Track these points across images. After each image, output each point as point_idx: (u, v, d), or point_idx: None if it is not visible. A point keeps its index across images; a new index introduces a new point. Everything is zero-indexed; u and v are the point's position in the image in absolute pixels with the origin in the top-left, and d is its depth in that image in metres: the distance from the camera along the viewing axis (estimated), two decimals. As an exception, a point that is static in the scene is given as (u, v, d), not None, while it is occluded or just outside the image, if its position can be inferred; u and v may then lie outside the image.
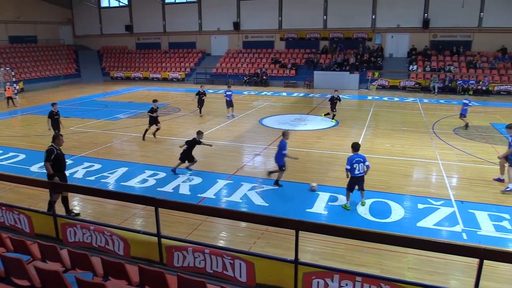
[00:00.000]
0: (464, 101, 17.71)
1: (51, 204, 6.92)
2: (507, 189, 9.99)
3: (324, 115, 19.26)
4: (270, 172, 10.95)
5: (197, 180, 10.95)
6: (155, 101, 15.81)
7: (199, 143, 11.67)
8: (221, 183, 10.73)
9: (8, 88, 24.85)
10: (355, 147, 9.02)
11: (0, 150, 14.22)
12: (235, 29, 37.46)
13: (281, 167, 10.48)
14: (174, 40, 40.44)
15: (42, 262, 5.16)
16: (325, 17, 34.66)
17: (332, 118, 18.77)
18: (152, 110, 15.44)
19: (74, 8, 43.24)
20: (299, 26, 35.43)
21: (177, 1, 39.55)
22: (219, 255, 5.20)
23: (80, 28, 43.74)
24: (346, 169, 8.87)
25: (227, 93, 19.73)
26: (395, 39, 33.32)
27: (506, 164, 10.42)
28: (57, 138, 8.44)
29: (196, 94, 20.49)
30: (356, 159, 8.80)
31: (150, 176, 11.31)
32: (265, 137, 16.07)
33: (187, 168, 11.65)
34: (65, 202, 8.63)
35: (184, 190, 10.27)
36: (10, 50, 35.84)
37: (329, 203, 9.35)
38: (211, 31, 38.75)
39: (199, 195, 9.91)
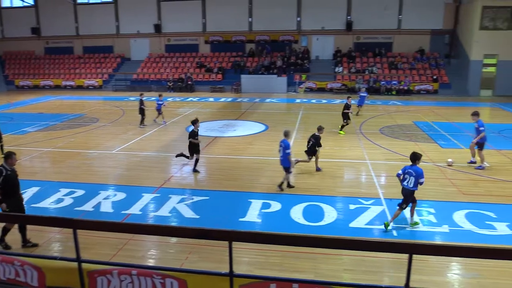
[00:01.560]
0: (361, 94, 21.49)
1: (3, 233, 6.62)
2: (480, 167, 12.30)
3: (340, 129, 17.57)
4: (280, 184, 10.73)
5: (120, 196, 10.52)
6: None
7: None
8: (147, 197, 10.42)
9: None
10: (412, 158, 8.58)
11: None
12: (156, 32, 36.77)
13: (288, 169, 10.59)
14: (89, 44, 38.70)
15: None
16: (250, 19, 35.31)
17: (341, 129, 17.50)
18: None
19: (-32, 9, 39.70)
20: (224, 28, 35.73)
21: (90, 2, 37.93)
22: (148, 276, 5.02)
23: (-24, 31, 40.22)
24: (397, 174, 8.73)
25: (158, 102, 19.64)
26: (320, 41, 34.86)
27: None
28: (9, 158, 7.72)
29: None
30: (408, 170, 8.50)
31: (66, 194, 10.65)
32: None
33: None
34: (23, 230, 7.88)
35: (106, 207, 9.82)
36: None
37: (262, 210, 9.48)
38: (130, 34, 37.65)
39: (123, 212, 9.53)
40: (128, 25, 37.44)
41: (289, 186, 10.90)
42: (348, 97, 18.08)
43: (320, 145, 12.15)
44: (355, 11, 33.48)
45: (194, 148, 12.29)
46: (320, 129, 12.37)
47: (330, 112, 22.93)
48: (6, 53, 40.08)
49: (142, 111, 19.07)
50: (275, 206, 9.67)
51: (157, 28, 36.57)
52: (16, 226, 7.89)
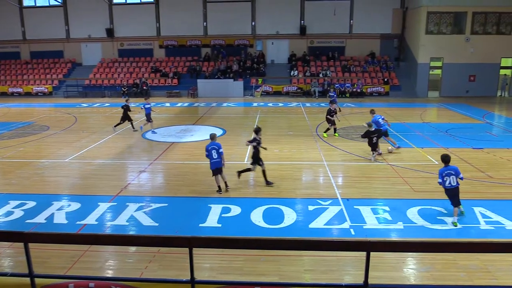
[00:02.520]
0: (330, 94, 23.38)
1: None
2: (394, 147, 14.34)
3: (325, 132, 17.61)
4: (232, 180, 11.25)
5: (75, 206, 10.13)
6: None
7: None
8: (103, 206, 10.10)
9: None
10: (445, 159, 9.01)
11: None
12: (108, 36, 35.85)
13: (221, 170, 10.98)
14: (37, 49, 37.10)
15: None
16: (205, 23, 35.19)
17: (335, 132, 17.55)
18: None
19: None
20: (179, 33, 35.40)
21: (37, 5, 36.40)
22: (106, 287, 4.87)
23: None
24: (438, 182, 8.98)
25: (146, 106, 18.80)
26: (275, 45, 35.29)
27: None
28: None
29: (122, 107, 19.11)
30: (446, 171, 8.86)
31: (16, 207, 10.12)
32: (150, 151, 15.63)
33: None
34: None
35: (60, 218, 9.42)
36: None
37: (223, 215, 9.44)
38: (81, 39, 36.48)
39: (78, 222, 9.18)
40: (78, 29, 36.24)
41: (226, 185, 11.12)
42: (331, 102, 17.82)
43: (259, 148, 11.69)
44: (308, 16, 34.19)
45: (257, 157, 11.59)
46: (257, 131, 11.85)
47: (287, 115, 23.24)
48: None
49: (128, 117, 18.82)
50: (235, 210, 9.66)
51: (109, 32, 35.66)
52: None
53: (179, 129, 19.47)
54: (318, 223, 8.96)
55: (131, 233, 8.58)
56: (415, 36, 31.40)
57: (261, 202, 10.08)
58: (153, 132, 18.60)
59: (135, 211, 9.74)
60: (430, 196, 10.37)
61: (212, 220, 9.21)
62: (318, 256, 7.35)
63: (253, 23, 34.89)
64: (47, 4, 36.09)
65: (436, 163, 13.20)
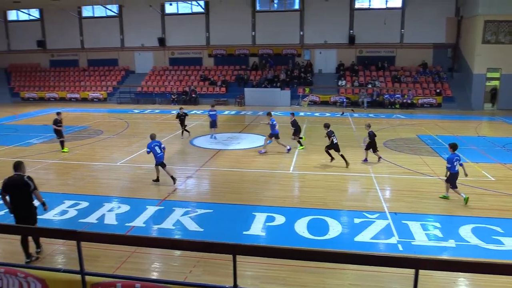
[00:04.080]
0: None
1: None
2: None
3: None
4: (157, 179, 12.54)
5: (124, 208, 10.50)
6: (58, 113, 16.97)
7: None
8: (151, 209, 10.39)
9: None
10: (454, 147, 10.60)
11: None
12: (160, 45, 37.12)
13: (164, 164, 12.30)
14: (94, 57, 39.07)
15: None
16: (253, 33, 35.62)
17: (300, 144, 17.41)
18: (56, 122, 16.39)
19: (-25, 22, 40.24)
20: (228, 42, 36.02)
21: (96, 16, 38.36)
22: (152, 289, 4.98)
23: (-17, 44, 40.68)
24: (447, 167, 10.49)
25: (211, 113, 19.28)
26: (323, 55, 35.08)
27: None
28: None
29: (177, 117, 19.54)
30: (455, 158, 10.43)
31: (70, 206, 10.64)
32: (197, 158, 15.92)
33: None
34: (35, 240, 8.09)
35: (110, 219, 9.80)
36: None
37: (267, 224, 9.43)
38: (134, 47, 38.02)
39: (127, 224, 9.50)
40: (132, 39, 37.82)
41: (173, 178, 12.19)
42: (291, 113, 18.12)
43: None
44: (357, 25, 33.73)
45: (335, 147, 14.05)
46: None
47: (334, 126, 22.89)
48: (12, 65, 40.48)
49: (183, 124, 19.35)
50: (280, 219, 9.63)
51: (161, 41, 36.91)
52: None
53: (225, 137, 19.73)
54: (364, 236, 8.74)
55: (177, 237, 8.75)
56: (470, 46, 30.14)
57: (305, 213, 9.98)
58: (214, 138, 19.12)
59: (181, 215, 9.94)
60: (485, 214, 9.85)
61: (256, 228, 9.22)
62: (363, 270, 7.15)
63: (301, 33, 34.90)
64: (104, 15, 37.93)
65: (493, 179, 12.55)
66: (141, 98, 34.59)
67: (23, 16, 39.49)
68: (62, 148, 16.75)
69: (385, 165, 14.41)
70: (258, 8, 35.51)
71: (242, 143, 18.49)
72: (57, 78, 38.65)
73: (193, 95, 33.33)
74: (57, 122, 16.56)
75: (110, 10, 37.14)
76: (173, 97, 33.43)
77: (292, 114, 17.88)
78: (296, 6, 35.17)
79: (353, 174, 13.38)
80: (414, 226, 9.15)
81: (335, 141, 14.25)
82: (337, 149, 14.30)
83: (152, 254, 8.09)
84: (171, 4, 36.21)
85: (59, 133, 16.65)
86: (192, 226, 9.37)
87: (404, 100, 30.11)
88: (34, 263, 7.64)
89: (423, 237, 8.68)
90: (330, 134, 14.29)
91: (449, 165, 10.44)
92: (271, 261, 7.31)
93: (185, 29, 36.43)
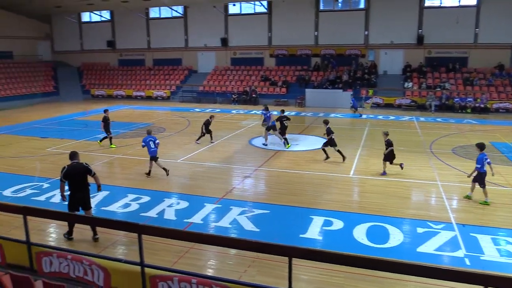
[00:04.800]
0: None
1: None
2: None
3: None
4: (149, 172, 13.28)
5: (183, 204, 10.84)
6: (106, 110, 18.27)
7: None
8: (209, 207, 10.64)
9: None
10: (482, 147, 10.91)
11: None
12: (223, 46, 37.88)
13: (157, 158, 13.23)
14: (159, 56, 40.69)
15: (14, 295, 5.01)
16: (316, 33, 35.31)
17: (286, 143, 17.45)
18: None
19: (54, 23, 43.44)
20: (290, 42, 35.99)
21: (162, 16, 39.95)
22: (207, 286, 5.09)
23: (60, 44, 43.87)
24: (476, 167, 10.73)
25: (267, 114, 18.88)
26: (389, 55, 34.00)
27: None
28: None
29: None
30: (484, 157, 10.67)
31: (133, 200, 11.17)
32: (255, 158, 16.06)
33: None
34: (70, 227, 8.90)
35: (170, 215, 10.15)
36: (-17, 67, 35.64)
37: (324, 228, 9.31)
38: (197, 48, 39.12)
39: (185, 220, 9.80)
40: (196, 39, 38.92)
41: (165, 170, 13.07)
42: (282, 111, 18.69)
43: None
44: (427, 24, 32.29)
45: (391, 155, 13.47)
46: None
47: (398, 129, 22.16)
48: (84, 64, 43.22)
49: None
50: (337, 224, 9.46)
51: (224, 41, 37.66)
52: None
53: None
54: (428, 247, 8.35)
55: (233, 235, 8.88)
56: (555, 47, 27.81)
57: (365, 219, 9.73)
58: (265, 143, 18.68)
59: (238, 215, 10.08)
60: None
61: (313, 231, 9.13)
62: (426, 283, 6.82)
63: (366, 32, 34.07)
64: (170, 16, 39.38)
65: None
66: (203, 97, 35.51)
67: (95, 17, 42.05)
68: (110, 144, 17.77)
69: (453, 173, 13.68)
70: (321, 7, 35.14)
71: (301, 144, 18.39)
72: (124, 77, 40.75)
73: (253, 95, 33.68)
74: (106, 120, 17.76)
75: (176, 11, 38.51)
76: (234, 97, 33.99)
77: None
78: (361, 5, 34.38)
79: (417, 181, 12.83)
80: (484, 240, 8.61)
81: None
82: (333, 144, 14.58)
83: (208, 251, 8.27)
84: (234, 5, 36.85)
85: (107, 129, 17.76)
86: (249, 226, 9.47)
87: (477, 105, 28.38)
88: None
89: (493, 252, 8.14)
90: (329, 132, 14.53)
91: (478, 165, 10.69)
92: (327, 266, 7.20)
93: (247, 29, 36.89)
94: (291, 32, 35.57)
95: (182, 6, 38.21)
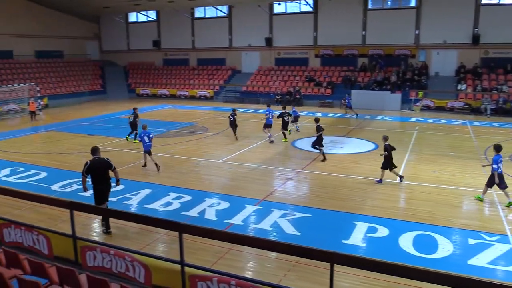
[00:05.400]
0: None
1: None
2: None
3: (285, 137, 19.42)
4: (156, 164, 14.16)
5: (224, 205, 10.97)
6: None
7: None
8: (249, 208, 10.69)
9: (32, 103, 26.68)
10: (498, 149, 11.06)
11: (22, 167, 14.77)
12: (267, 45, 37.99)
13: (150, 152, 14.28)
14: (203, 56, 41.40)
15: (60, 287, 5.24)
16: (364, 32, 34.67)
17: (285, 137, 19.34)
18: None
19: (102, 23, 45.27)
20: (336, 42, 35.55)
21: (207, 16, 40.62)
22: (246, 288, 5.11)
23: (107, 43, 45.67)
24: (494, 168, 10.82)
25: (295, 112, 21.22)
26: (441, 56, 32.83)
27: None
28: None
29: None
30: (500, 159, 10.86)
31: (174, 199, 11.41)
32: (298, 160, 15.99)
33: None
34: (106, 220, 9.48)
35: (210, 215, 10.30)
36: (36, 65, 37.75)
37: (368, 235, 9.12)
38: (241, 47, 39.45)
39: (226, 221, 9.90)
40: (240, 39, 39.27)
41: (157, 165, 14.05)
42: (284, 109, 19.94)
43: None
44: (484, 22, 30.86)
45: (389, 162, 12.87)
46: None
47: (449, 134, 21.36)
48: (130, 63, 44.70)
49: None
50: (382, 231, 9.24)
51: (268, 41, 37.75)
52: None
53: (328, 140, 19.41)
54: (480, 260, 7.98)
55: (273, 238, 8.87)
56: None
57: (412, 227, 9.44)
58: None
59: (278, 217, 10.06)
60: None
61: (356, 238, 8.97)
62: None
63: (416, 32, 33.08)
64: (215, 15, 39.97)
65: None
66: (246, 97, 35.75)
67: (141, 17, 43.39)
68: (134, 139, 18.76)
69: (509, 182, 12.99)
70: (370, 6, 34.48)
71: (346, 147, 18.12)
72: (168, 76, 41.78)
73: (297, 96, 33.54)
74: (136, 117, 18.89)
75: (220, 10, 39.04)
76: (277, 97, 34.00)
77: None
78: (412, 3, 33.42)
79: (469, 189, 12.27)
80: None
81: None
82: (321, 144, 14.83)
83: (248, 253, 8.31)
84: (279, 4, 36.88)
85: (134, 126, 18.84)
86: (290, 229, 9.43)
87: (538, 109, 26.87)
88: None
89: (554, 268, 7.67)
90: (319, 129, 14.75)
91: (495, 166, 10.82)
92: (370, 274, 7.03)
93: (292, 28, 36.78)
94: (337, 31, 35.12)
95: (227, 6, 38.68)
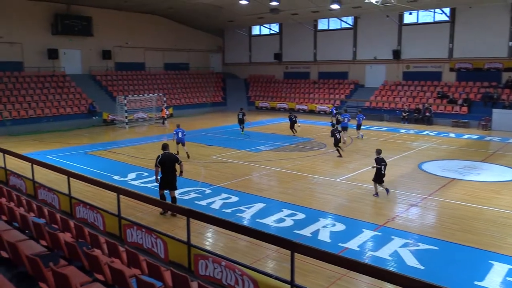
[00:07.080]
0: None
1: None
2: None
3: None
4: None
5: (339, 227, 10.73)
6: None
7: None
8: (367, 233, 10.31)
9: (164, 109, 31.19)
10: None
11: (146, 172, 16.21)
12: (394, 58, 36.65)
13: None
14: (325, 69, 41.46)
15: (173, 292, 5.57)
16: (510, 43, 31.53)
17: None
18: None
19: (226, 36, 48.14)
20: (476, 54, 32.85)
21: (330, 28, 40.71)
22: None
23: (230, 56, 48.37)
24: None
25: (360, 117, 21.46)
26: None
27: None
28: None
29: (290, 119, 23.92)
30: None
31: (287, 215, 11.50)
32: (424, 185, 15.01)
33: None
34: (173, 201, 11.31)
35: (324, 236, 10.15)
36: (164, 77, 41.64)
37: (508, 279, 8.13)
38: (366, 60, 38.65)
39: (340, 244, 9.66)
40: (365, 51, 38.49)
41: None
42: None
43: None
44: None
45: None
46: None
47: None
48: (251, 76, 46.67)
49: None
50: (527, 275, 8.18)
51: (396, 54, 36.40)
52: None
53: (462, 165, 17.98)
54: None
55: (391, 269, 8.40)
56: None
57: None
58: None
59: (399, 246, 9.52)
60: None
61: (492, 280, 8.05)
62: None
63: None
64: (339, 27, 39.86)
65: None
66: (368, 113, 34.69)
67: (265, 30, 45.13)
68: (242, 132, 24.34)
69: None
70: (520, 13, 31.33)
71: (483, 174, 16.53)
72: (288, 90, 42.63)
73: (427, 114, 31.67)
74: (243, 115, 25.49)
75: (345, 22, 38.82)
76: (404, 114, 32.50)
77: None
78: None
79: None
80: None
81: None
82: (381, 180, 13.73)
83: (362, 281, 7.99)
84: (410, 13, 35.39)
85: (241, 122, 24.44)
86: (411, 261, 8.85)
87: None
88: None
89: None
90: (379, 162, 13.78)
91: None
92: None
93: (424, 39, 34.97)
94: (477, 42, 32.45)
95: (352, 17, 38.33)
